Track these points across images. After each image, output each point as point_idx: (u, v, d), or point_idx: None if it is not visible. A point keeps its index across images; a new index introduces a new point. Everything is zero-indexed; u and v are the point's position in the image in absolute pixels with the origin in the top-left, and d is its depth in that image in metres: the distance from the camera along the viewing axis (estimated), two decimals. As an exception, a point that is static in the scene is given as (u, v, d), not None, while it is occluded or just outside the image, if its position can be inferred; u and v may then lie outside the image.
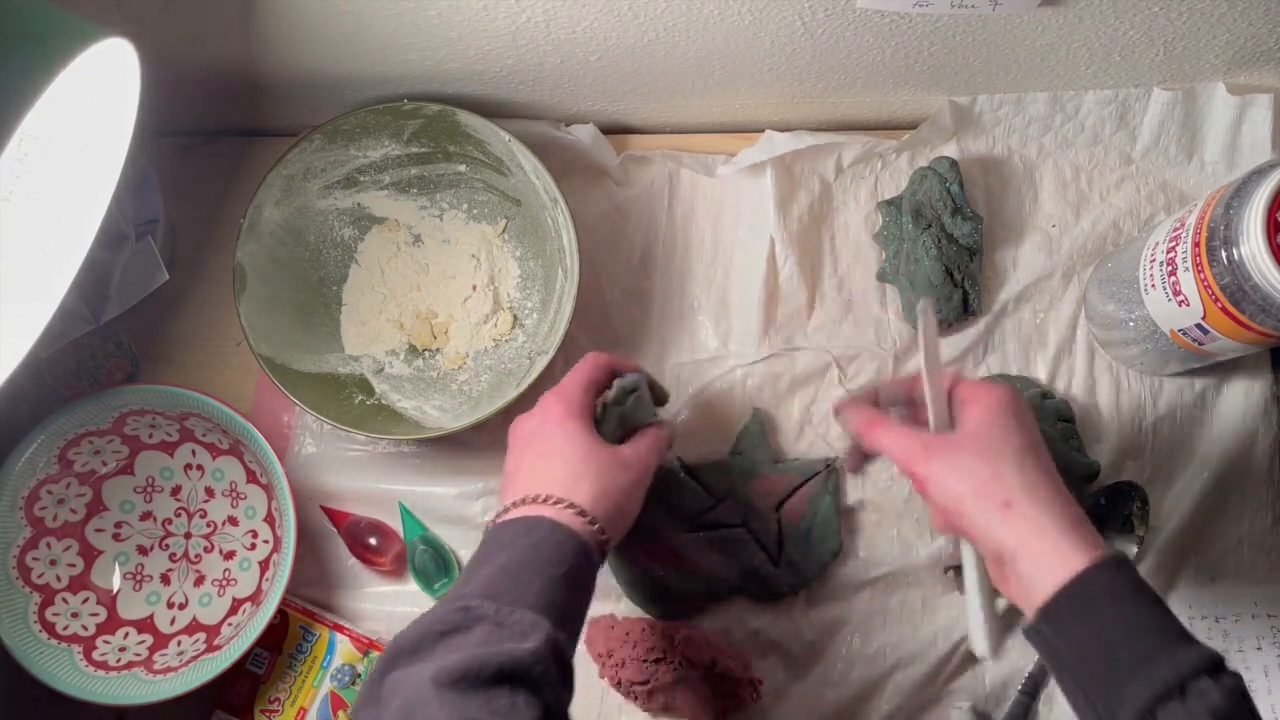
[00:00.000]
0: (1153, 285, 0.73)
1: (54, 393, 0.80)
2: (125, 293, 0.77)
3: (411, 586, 0.80)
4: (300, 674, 0.77)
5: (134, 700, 0.71)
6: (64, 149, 0.55)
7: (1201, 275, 0.67)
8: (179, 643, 0.77)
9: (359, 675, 0.77)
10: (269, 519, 0.79)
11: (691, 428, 0.82)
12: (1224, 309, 0.67)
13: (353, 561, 0.81)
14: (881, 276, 0.85)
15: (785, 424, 0.82)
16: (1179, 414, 0.82)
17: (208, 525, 0.81)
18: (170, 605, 0.79)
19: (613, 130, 0.89)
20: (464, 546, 0.81)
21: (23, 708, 0.75)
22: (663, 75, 0.81)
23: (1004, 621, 0.77)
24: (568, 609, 0.57)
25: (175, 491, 0.80)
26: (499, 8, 0.72)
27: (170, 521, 0.80)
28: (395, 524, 0.81)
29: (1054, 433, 0.77)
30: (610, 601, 0.79)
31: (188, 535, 0.80)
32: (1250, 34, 0.78)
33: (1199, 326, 0.70)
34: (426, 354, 0.85)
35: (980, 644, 0.62)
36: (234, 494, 0.80)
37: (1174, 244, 0.70)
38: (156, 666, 0.74)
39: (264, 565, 0.79)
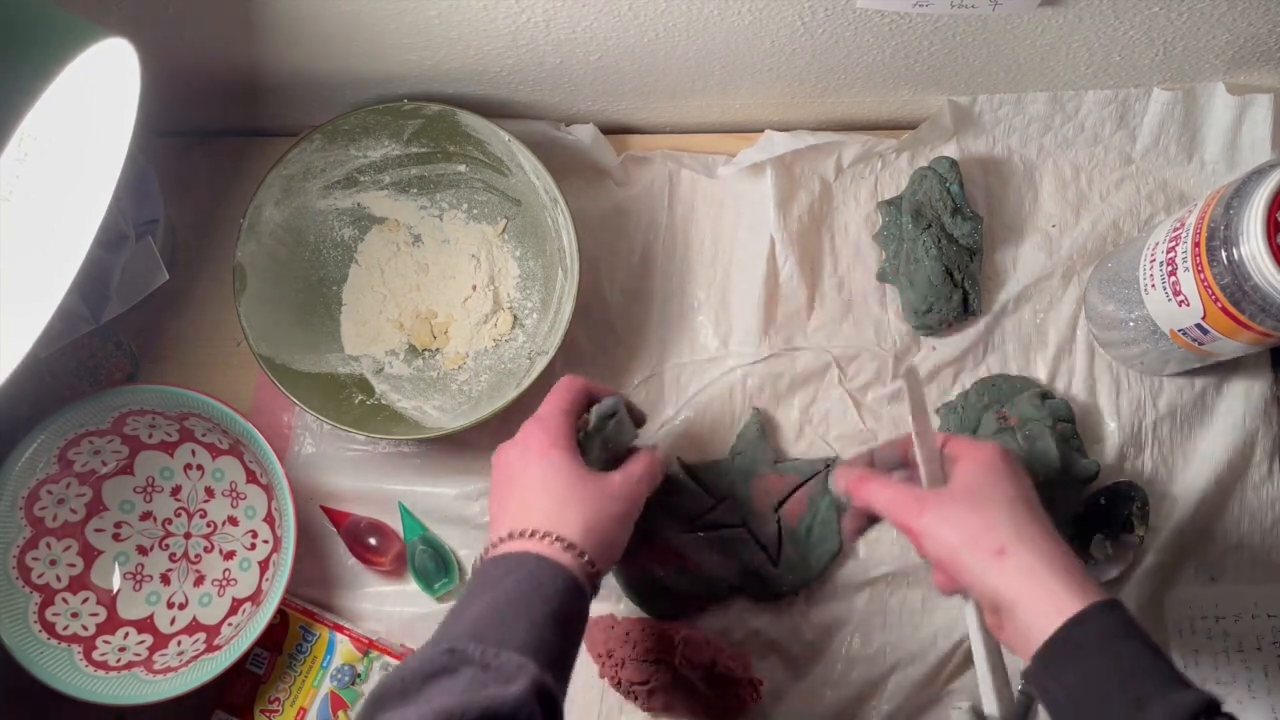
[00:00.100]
0: (1153, 285, 0.73)
1: (54, 393, 0.80)
2: (125, 293, 0.77)
3: (411, 586, 0.80)
4: (300, 674, 0.77)
5: (134, 700, 0.71)
6: (64, 149, 0.55)
7: (1201, 275, 0.67)
8: (179, 643, 0.77)
9: (359, 675, 0.77)
10: (269, 519, 0.79)
11: (691, 428, 0.82)
12: (1224, 309, 0.67)
13: (353, 561, 0.81)
14: (881, 276, 0.85)
15: (785, 424, 0.82)
16: (1179, 414, 0.82)
17: (208, 525, 0.81)
18: (170, 605, 0.79)
19: (613, 130, 0.88)
20: (464, 546, 0.81)
21: (23, 708, 0.75)
22: (663, 75, 0.81)
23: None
24: (555, 647, 0.57)
25: (175, 491, 0.80)
26: (499, 8, 0.72)
27: (170, 521, 0.80)
28: (395, 524, 0.81)
29: (1054, 433, 0.77)
30: (610, 601, 0.79)
31: (188, 535, 0.80)
32: (1250, 34, 0.78)
33: (1199, 326, 0.70)
34: (426, 354, 0.85)
35: (991, 705, 0.62)
36: (234, 494, 0.80)
37: (1174, 244, 0.70)
38: (156, 666, 0.74)
39: (264, 565, 0.79)
